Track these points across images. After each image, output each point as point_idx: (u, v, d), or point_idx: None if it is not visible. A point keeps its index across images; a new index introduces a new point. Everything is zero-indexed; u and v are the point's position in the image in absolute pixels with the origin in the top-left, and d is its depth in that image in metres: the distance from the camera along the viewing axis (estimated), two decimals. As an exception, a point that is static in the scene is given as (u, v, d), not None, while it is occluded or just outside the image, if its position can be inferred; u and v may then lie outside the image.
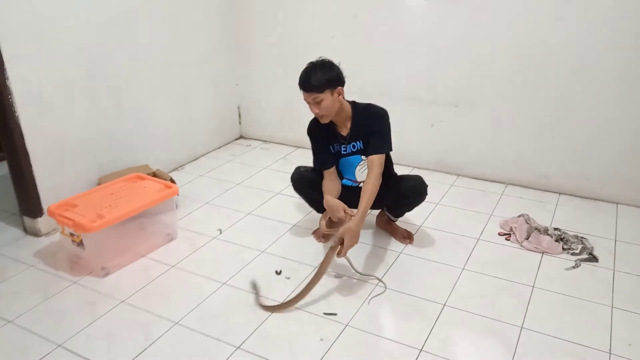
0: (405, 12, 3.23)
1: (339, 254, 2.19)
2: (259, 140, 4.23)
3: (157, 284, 2.37)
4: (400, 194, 2.51)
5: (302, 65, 2.47)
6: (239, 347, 1.96)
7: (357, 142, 2.46)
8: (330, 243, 2.34)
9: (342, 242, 2.18)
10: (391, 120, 2.42)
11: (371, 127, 2.39)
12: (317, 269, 2.24)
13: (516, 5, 2.90)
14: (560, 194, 3.15)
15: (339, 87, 2.31)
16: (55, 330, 2.07)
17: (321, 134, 2.50)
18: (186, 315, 2.14)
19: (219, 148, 4.08)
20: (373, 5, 3.31)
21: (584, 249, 2.55)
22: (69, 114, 2.84)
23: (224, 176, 3.52)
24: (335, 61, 2.34)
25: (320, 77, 2.25)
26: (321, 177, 2.55)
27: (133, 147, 3.28)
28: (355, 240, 2.21)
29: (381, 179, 2.35)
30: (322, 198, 2.61)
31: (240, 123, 4.27)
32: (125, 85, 3.17)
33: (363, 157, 2.48)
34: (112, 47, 3.03)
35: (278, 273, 2.43)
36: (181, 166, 3.73)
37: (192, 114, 3.75)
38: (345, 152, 2.50)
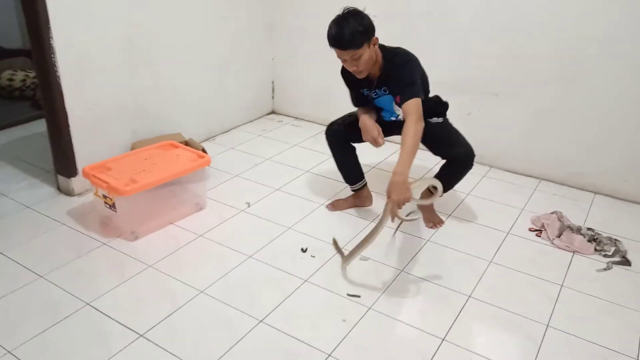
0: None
1: (391, 213, 2.07)
2: (291, 117, 4.21)
3: (184, 252, 2.40)
4: (445, 158, 2.49)
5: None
6: (261, 321, 1.98)
7: (384, 90, 2.42)
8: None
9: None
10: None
11: (396, 80, 2.33)
12: (374, 227, 2.16)
13: (568, -5, 2.80)
14: (596, 193, 3.07)
15: (374, 37, 2.24)
16: (85, 289, 2.12)
17: (351, 78, 2.44)
18: (211, 285, 2.17)
19: (250, 122, 4.08)
20: (418, -14, 3.23)
21: (617, 251, 2.49)
22: (109, 78, 2.87)
23: (254, 150, 3.52)
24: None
25: (355, 31, 2.15)
26: (356, 132, 2.50)
27: (167, 115, 3.30)
28: (404, 193, 2.04)
29: (422, 123, 2.20)
30: (352, 159, 2.61)
31: (273, 98, 4.26)
32: (163, 56, 3.17)
33: (393, 100, 2.44)
34: (152, 18, 3.03)
35: (304, 251, 2.43)
36: (213, 137, 3.74)
37: (226, 87, 3.75)
38: (376, 96, 2.47)
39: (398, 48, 2.42)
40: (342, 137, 2.62)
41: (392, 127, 2.52)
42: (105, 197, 2.42)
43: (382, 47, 2.38)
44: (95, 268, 2.27)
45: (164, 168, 2.52)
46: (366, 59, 2.24)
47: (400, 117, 2.43)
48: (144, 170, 2.49)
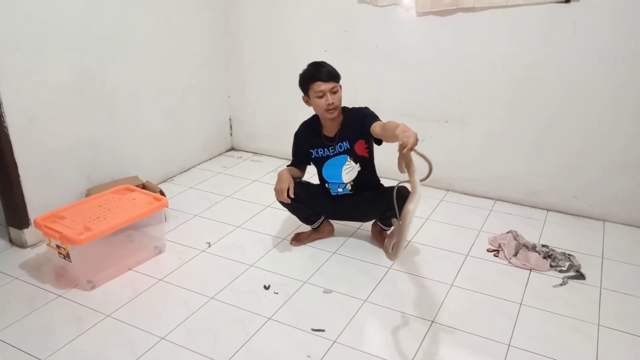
0: (396, 27, 3.26)
1: (408, 149, 1.91)
2: (250, 152, 4.23)
3: (143, 298, 2.35)
4: (387, 203, 2.52)
5: (294, 79, 2.51)
6: (225, 364, 1.94)
7: (344, 142, 2.54)
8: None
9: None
10: None
11: (359, 120, 2.47)
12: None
13: (507, 24, 2.94)
14: (548, 210, 3.17)
15: (340, 84, 2.48)
16: (40, 345, 2.05)
17: (306, 140, 2.63)
18: (172, 331, 2.12)
19: (209, 160, 4.07)
20: (364, 20, 3.34)
21: (571, 266, 2.56)
22: (59, 124, 2.83)
23: (214, 188, 3.51)
24: None
25: (333, 69, 2.42)
26: (306, 190, 2.62)
27: (123, 158, 3.26)
28: (411, 131, 1.98)
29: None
30: (309, 208, 2.63)
31: (231, 135, 4.27)
32: (116, 97, 3.16)
33: (349, 157, 2.55)
34: (103, 59, 3.02)
35: (266, 288, 2.42)
36: (171, 178, 3.71)
37: (183, 126, 3.75)
38: (332, 153, 2.58)
39: (353, 106, 2.59)
40: (295, 195, 2.58)
41: (341, 205, 2.66)
42: (58, 247, 2.36)
43: (342, 108, 2.55)
44: (50, 322, 2.20)
45: (120, 213, 2.48)
46: (340, 97, 2.46)
47: (348, 187, 2.61)
48: (98, 217, 2.44)
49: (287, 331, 2.13)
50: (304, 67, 2.51)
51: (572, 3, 2.74)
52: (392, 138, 2.08)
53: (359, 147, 2.54)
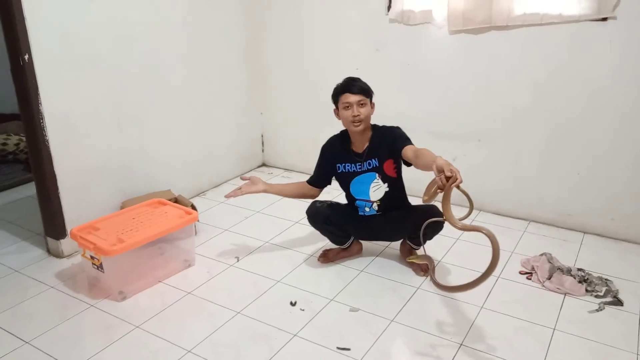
0: (428, 46, 3.25)
1: (457, 184, 1.87)
2: (281, 168, 4.26)
3: (172, 311, 2.37)
4: (416, 222, 2.49)
5: (325, 97, 2.53)
6: (249, 379, 1.93)
7: (374, 159, 2.53)
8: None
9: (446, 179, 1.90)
10: None
11: (390, 138, 2.49)
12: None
13: (541, 42, 2.89)
14: (584, 233, 3.07)
15: (373, 103, 2.50)
16: (71, 354, 2.09)
17: (333, 154, 2.62)
18: (198, 344, 2.13)
19: (241, 175, 4.10)
20: (396, 39, 3.35)
21: (608, 291, 2.46)
22: (96, 140, 2.92)
23: (244, 204, 3.54)
24: None
25: (365, 85, 2.46)
26: (335, 212, 2.64)
27: (156, 173, 3.33)
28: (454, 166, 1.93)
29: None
30: (339, 230, 2.62)
31: (263, 151, 4.32)
32: (151, 114, 3.25)
33: (377, 175, 2.53)
34: (139, 77, 3.12)
35: (293, 304, 2.41)
36: (203, 192, 3.76)
37: (215, 142, 3.81)
38: (360, 170, 2.56)
39: (385, 125, 2.59)
40: (321, 216, 2.63)
41: (369, 226, 2.65)
42: (92, 258, 2.41)
43: (372, 125, 2.56)
44: (81, 331, 2.24)
45: (151, 226, 2.53)
46: (368, 112, 2.47)
47: (374, 207, 2.59)
48: (131, 229, 2.49)
49: (312, 348, 2.11)
50: (335, 83, 2.53)
51: (609, 21, 2.68)
52: (426, 167, 2.06)
53: (388, 167, 2.53)
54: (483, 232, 1.86)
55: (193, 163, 3.65)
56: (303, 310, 2.36)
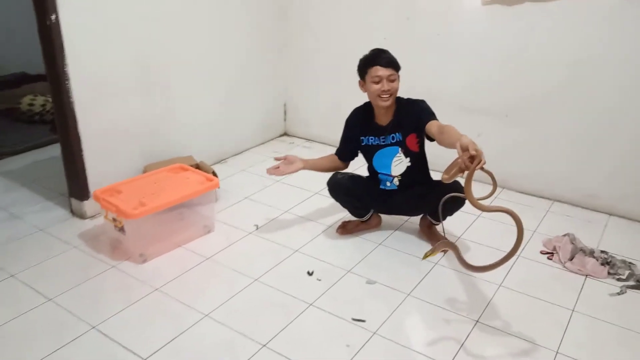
0: (460, 16, 3.15)
1: (481, 166, 1.81)
2: (302, 138, 4.23)
3: (191, 275, 2.41)
4: (438, 198, 2.45)
5: (350, 67, 2.48)
6: (264, 346, 1.96)
7: (397, 133, 2.49)
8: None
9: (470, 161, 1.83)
10: None
11: (415, 113, 2.43)
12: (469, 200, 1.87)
13: (579, 16, 2.77)
14: (610, 214, 3.00)
15: (399, 75, 2.42)
16: (92, 312, 2.13)
17: (359, 125, 2.58)
18: (216, 309, 2.16)
19: (262, 144, 4.10)
20: (428, 9, 3.25)
21: (631, 275, 2.41)
22: (122, 103, 2.93)
23: (264, 172, 3.50)
24: None
25: (394, 58, 2.39)
26: (357, 184, 2.60)
27: (179, 138, 3.34)
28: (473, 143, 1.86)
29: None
30: (359, 202, 2.61)
31: (285, 120, 4.29)
32: (177, 80, 3.24)
33: (400, 149, 2.50)
34: (165, 43, 3.10)
35: (310, 274, 2.42)
36: (224, 159, 3.77)
37: (238, 109, 3.79)
38: (383, 143, 2.52)
39: (410, 97, 2.53)
40: (343, 188, 2.60)
41: (390, 202, 2.61)
42: (114, 220, 2.44)
43: (397, 97, 2.49)
44: (102, 291, 2.29)
45: (173, 191, 2.55)
46: (397, 86, 2.41)
47: (395, 182, 2.55)
48: (153, 193, 2.51)
49: (327, 318, 2.12)
50: (362, 54, 2.47)
51: (652, -5, 2.55)
52: (451, 145, 2.00)
53: (411, 141, 2.49)
54: (508, 212, 1.81)
55: (216, 130, 3.64)
56: (320, 280, 2.37)
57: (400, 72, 2.43)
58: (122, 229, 2.44)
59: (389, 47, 2.44)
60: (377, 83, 2.38)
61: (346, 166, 2.72)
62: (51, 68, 2.63)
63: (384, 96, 2.39)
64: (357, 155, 2.70)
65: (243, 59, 3.70)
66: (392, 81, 2.38)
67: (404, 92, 2.52)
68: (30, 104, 4.31)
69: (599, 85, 2.82)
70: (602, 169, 2.96)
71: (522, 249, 2.63)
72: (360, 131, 2.58)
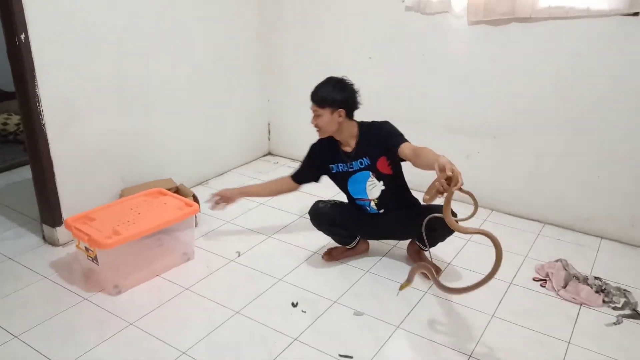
0: (446, 36, 3.09)
1: (459, 187, 1.79)
2: (287, 157, 4.13)
3: (168, 307, 2.27)
4: (429, 225, 2.36)
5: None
6: (245, 387, 1.83)
7: (364, 158, 2.41)
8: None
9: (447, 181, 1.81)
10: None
11: (380, 137, 2.35)
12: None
13: (565, 36, 2.73)
14: (602, 238, 2.93)
15: (341, 110, 2.31)
16: (60, 350, 1.99)
17: (323, 154, 2.51)
18: (194, 346, 2.03)
19: (246, 164, 3.99)
20: (412, 28, 3.18)
21: (626, 303, 2.33)
22: (97, 124, 2.81)
23: (248, 194, 3.42)
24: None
25: (327, 95, 2.30)
26: (340, 212, 2.52)
27: (158, 160, 3.22)
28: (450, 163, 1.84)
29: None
30: (344, 231, 2.52)
31: (269, 139, 4.19)
32: (156, 100, 3.13)
33: (371, 173, 2.42)
34: (143, 61, 2.99)
35: (294, 305, 2.30)
36: (206, 181, 3.65)
37: (221, 129, 3.69)
38: (352, 169, 2.44)
39: (373, 120, 2.47)
40: (326, 217, 2.53)
41: (374, 223, 2.53)
42: (87, 249, 2.31)
43: (360, 123, 2.44)
44: (73, 327, 2.14)
45: (150, 218, 2.42)
46: (325, 121, 2.33)
47: (372, 205, 2.48)
48: (128, 221, 2.38)
49: (312, 355, 2.00)
50: (347, 74, 2.40)
51: (641, 16, 2.52)
52: (428, 166, 1.97)
53: (382, 164, 2.40)
54: (486, 235, 1.79)
55: (197, 150, 3.53)
56: (305, 312, 2.25)
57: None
58: (95, 259, 2.30)
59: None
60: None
61: (297, 188, 2.66)
62: (21, 89, 2.51)
63: (316, 129, 2.38)
64: (315, 181, 2.62)
65: (225, 77, 3.60)
66: (318, 116, 2.33)
67: (390, 112, 2.45)
68: (4, 123, 4.16)
69: (591, 105, 2.77)
70: (593, 191, 2.90)
71: (514, 276, 2.55)
72: (329, 159, 2.50)
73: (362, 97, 2.32)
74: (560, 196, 3.01)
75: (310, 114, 2.38)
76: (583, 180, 2.91)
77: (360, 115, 2.63)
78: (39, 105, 2.52)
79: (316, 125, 2.36)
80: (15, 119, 4.19)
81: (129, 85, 2.93)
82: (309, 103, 2.36)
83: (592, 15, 2.63)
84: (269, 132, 4.16)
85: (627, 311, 2.29)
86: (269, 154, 4.23)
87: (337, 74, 2.44)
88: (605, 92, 2.71)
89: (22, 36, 2.37)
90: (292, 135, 4.07)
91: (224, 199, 2.66)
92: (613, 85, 2.68)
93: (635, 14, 2.52)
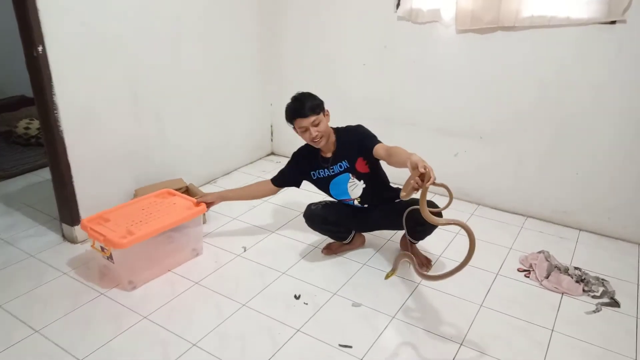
0: (435, 44, 3.02)
1: (432, 182, 1.72)
2: (288, 157, 4.03)
3: (179, 301, 2.22)
4: (415, 220, 2.30)
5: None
6: (252, 377, 1.78)
7: (343, 162, 2.35)
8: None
9: (420, 177, 1.74)
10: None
11: (356, 141, 2.30)
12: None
13: (547, 44, 2.66)
14: (580, 230, 2.88)
15: (327, 110, 2.30)
16: (79, 344, 1.94)
17: (306, 161, 2.46)
18: (204, 337, 1.97)
19: (250, 163, 3.93)
20: (404, 36, 3.11)
21: (605, 292, 2.29)
22: (111, 129, 2.73)
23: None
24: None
25: (313, 101, 2.24)
26: (331, 211, 2.45)
27: (169, 161, 3.15)
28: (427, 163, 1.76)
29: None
30: (337, 227, 2.46)
31: (272, 140, 4.12)
32: (167, 104, 3.05)
33: (351, 175, 2.36)
34: (155, 68, 2.91)
35: (297, 297, 2.24)
36: (214, 180, 3.59)
37: (227, 131, 3.62)
38: (332, 173, 2.38)
39: (348, 125, 2.40)
40: (318, 218, 2.46)
41: (362, 216, 2.47)
42: (102, 249, 2.25)
43: (334, 129, 2.38)
44: (91, 321, 2.08)
45: (160, 217, 2.36)
46: (324, 126, 2.26)
47: (356, 203, 2.42)
48: (140, 221, 2.32)
49: (315, 345, 1.95)
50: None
51: (617, 24, 2.45)
52: (401, 164, 1.92)
53: (360, 165, 2.34)
54: (459, 225, 1.75)
55: (205, 151, 3.46)
56: (307, 304, 2.20)
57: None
58: (110, 258, 2.24)
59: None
60: (305, 132, 2.27)
61: (277, 192, 2.60)
62: (40, 99, 2.43)
63: (316, 140, 2.27)
64: (296, 186, 2.56)
65: (231, 83, 3.53)
66: (317, 125, 2.24)
67: (383, 117, 2.38)
68: (26, 128, 4.09)
69: (570, 107, 2.71)
70: (572, 186, 2.84)
71: (500, 267, 2.50)
72: (310, 167, 2.45)
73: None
74: (542, 192, 2.95)
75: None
76: (563, 177, 2.85)
77: (356, 119, 2.58)
78: (56, 113, 2.45)
79: (317, 136, 2.25)
80: (36, 123, 4.11)
81: (141, 92, 2.85)
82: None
83: (572, 24, 2.56)
84: (272, 133, 4.09)
85: (605, 299, 2.25)
86: (272, 153, 4.16)
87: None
88: (584, 96, 2.65)
89: (40, 48, 2.30)
90: (293, 136, 3.96)
91: (205, 202, 2.52)
92: (592, 90, 2.62)
93: (613, 22, 2.46)
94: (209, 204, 2.53)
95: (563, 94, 2.70)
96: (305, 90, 2.30)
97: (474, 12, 2.77)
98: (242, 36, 3.52)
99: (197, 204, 2.50)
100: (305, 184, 2.55)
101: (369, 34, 3.25)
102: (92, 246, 2.28)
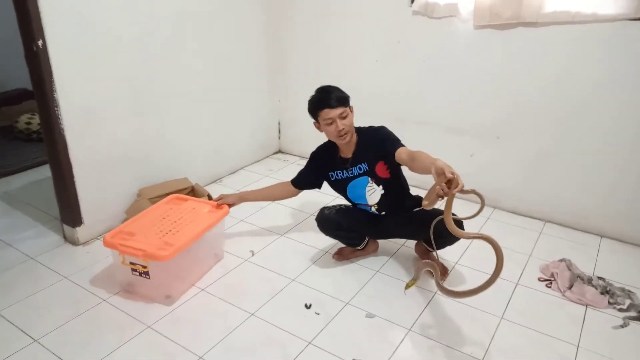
0: (452, 40, 2.88)
1: (459, 189, 1.58)
2: (296, 155, 3.95)
3: (184, 310, 2.12)
4: (438, 232, 2.18)
5: (343, 86, 2.24)
6: (262, 394, 1.68)
7: (362, 164, 2.23)
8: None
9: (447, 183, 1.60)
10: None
11: (378, 141, 2.17)
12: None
13: (570, 40, 2.53)
14: (602, 236, 2.76)
15: (351, 106, 2.20)
16: (80, 355, 1.84)
17: (324, 161, 2.35)
18: (210, 350, 1.88)
19: (257, 162, 3.82)
20: (418, 31, 2.98)
21: (632, 305, 2.17)
22: (114, 128, 2.63)
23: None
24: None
25: (341, 94, 2.15)
26: (345, 217, 2.33)
27: (173, 160, 3.04)
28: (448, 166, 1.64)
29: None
30: (351, 234, 2.35)
31: (279, 138, 4.01)
32: (170, 102, 2.94)
33: (370, 178, 2.24)
34: (159, 65, 2.80)
35: (308, 307, 2.14)
36: (220, 179, 3.48)
37: (233, 129, 3.50)
38: (351, 175, 2.27)
39: (370, 125, 2.28)
40: (332, 223, 2.34)
41: (377, 224, 2.35)
42: (133, 264, 2.08)
43: (356, 128, 2.26)
44: (92, 329, 1.99)
45: (189, 224, 2.23)
46: (351, 121, 2.17)
47: (374, 209, 2.31)
48: (170, 231, 2.17)
49: (327, 359, 1.85)
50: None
51: (648, 21, 2.32)
52: (425, 170, 1.78)
53: (380, 169, 2.22)
54: (487, 240, 1.63)
55: (210, 150, 3.35)
56: (318, 314, 2.09)
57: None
58: (144, 274, 2.07)
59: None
60: (330, 124, 2.14)
61: (298, 194, 2.50)
62: (40, 94, 2.33)
63: (342, 135, 2.15)
64: (318, 187, 2.46)
65: (237, 79, 3.41)
66: (344, 118, 2.13)
67: (395, 115, 2.26)
68: (28, 123, 3.99)
69: (592, 106, 2.58)
70: (593, 190, 2.72)
71: (520, 276, 2.39)
72: (328, 167, 2.34)
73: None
74: (561, 195, 2.82)
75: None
76: (584, 179, 2.72)
77: (366, 116, 2.46)
78: (57, 110, 2.34)
79: (343, 130, 2.13)
80: (38, 118, 4.00)
81: (143, 90, 2.74)
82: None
83: (598, 20, 2.43)
84: (279, 131, 3.98)
85: (632, 313, 2.13)
86: (279, 152, 4.05)
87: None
88: (611, 97, 2.52)
89: (40, 42, 2.19)
90: (300, 134, 3.88)
91: (224, 201, 2.44)
92: (618, 90, 2.48)
93: (641, 19, 2.33)
94: (230, 206, 2.42)
95: (588, 94, 2.57)
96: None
97: (492, 7, 2.64)
98: (248, 32, 3.39)
99: (219, 206, 2.40)
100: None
101: (382, 28, 3.12)
102: (122, 262, 2.10)
